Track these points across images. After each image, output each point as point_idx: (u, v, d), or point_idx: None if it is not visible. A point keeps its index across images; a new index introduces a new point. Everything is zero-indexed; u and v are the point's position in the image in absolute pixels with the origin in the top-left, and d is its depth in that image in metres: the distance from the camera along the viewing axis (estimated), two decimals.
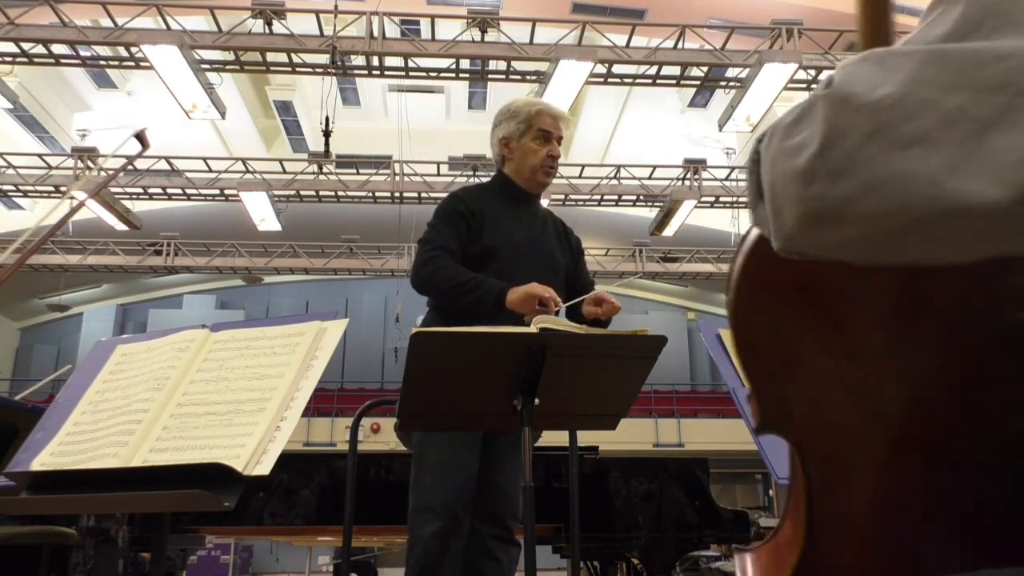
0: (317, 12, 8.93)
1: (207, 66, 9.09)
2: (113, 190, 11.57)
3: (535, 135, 2.35)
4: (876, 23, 0.70)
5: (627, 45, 9.18)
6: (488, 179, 2.53)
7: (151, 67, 8.49)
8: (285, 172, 12.14)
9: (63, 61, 9.31)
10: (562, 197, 12.15)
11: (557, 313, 2.10)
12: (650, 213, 13.50)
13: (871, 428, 0.65)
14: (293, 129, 15.82)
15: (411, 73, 9.37)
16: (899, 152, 0.48)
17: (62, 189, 11.48)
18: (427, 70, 9.48)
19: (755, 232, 0.65)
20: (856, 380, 0.65)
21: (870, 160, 0.49)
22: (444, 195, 2.60)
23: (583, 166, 12.63)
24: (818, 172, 0.51)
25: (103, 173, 11.77)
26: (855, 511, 0.65)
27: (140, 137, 1.52)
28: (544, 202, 12.01)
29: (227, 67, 9.87)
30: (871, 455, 0.65)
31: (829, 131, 0.51)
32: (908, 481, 0.65)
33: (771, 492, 17.52)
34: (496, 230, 2.27)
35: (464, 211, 2.26)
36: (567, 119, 2.45)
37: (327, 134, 10.07)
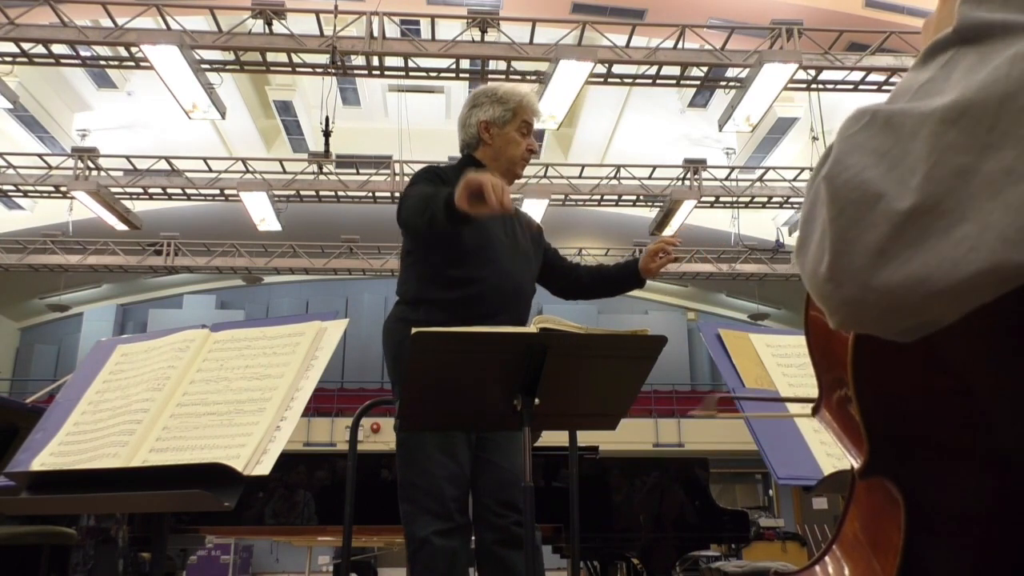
0: (317, 12, 8.92)
1: (207, 66, 9.08)
2: (113, 190, 11.56)
3: (519, 125, 2.31)
4: None
5: (627, 45, 9.17)
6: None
7: (151, 67, 8.48)
8: (285, 172, 12.13)
9: (63, 61, 9.29)
10: (562, 197, 12.14)
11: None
12: (650, 213, 13.49)
13: (987, 474, 0.61)
14: (293, 129, 15.80)
15: (411, 73, 9.36)
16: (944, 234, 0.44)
17: (62, 189, 11.48)
18: (427, 70, 9.47)
19: None
20: (974, 419, 0.61)
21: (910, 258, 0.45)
22: None
23: (583, 166, 12.62)
24: (837, 280, 0.48)
25: (103, 173, 11.78)
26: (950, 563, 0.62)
27: None
28: (543, 202, 11.86)
29: (227, 67, 9.86)
30: (982, 503, 0.61)
31: (837, 243, 0.47)
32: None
33: (771, 492, 17.52)
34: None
35: (447, 180, 2.12)
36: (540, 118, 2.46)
37: (327, 134, 10.06)
